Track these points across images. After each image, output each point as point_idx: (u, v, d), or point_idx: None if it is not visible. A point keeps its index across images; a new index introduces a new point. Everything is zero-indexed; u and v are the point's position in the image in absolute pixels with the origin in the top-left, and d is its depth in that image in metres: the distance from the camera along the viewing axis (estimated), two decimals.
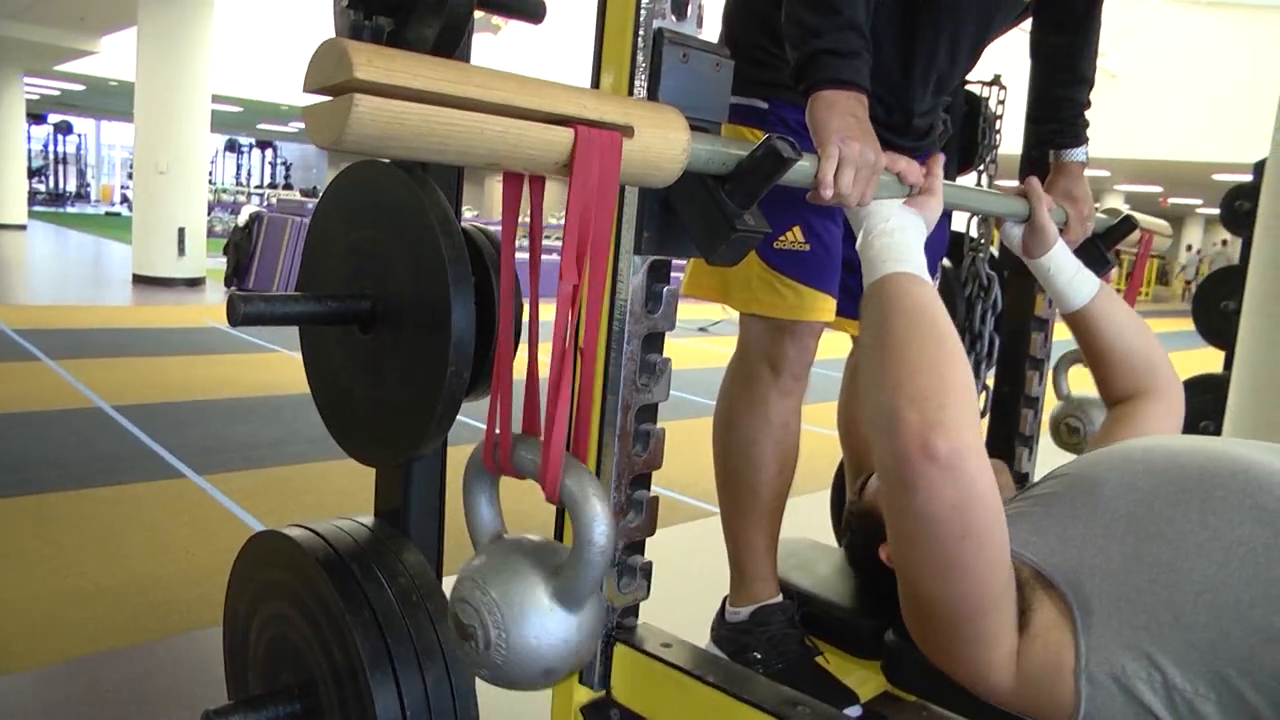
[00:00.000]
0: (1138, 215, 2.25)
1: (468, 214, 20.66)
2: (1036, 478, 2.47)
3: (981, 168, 2.41)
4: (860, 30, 1.32)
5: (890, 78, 1.65)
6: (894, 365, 1.05)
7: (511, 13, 1.46)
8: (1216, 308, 4.65)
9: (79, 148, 33.56)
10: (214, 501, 3.80)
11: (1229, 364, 4.39)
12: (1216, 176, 19.75)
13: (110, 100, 23.44)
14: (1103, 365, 1.55)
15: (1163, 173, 21.02)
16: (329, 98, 0.79)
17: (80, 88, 21.53)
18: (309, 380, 1.56)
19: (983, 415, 2.46)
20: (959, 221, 2.41)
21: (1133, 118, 17.79)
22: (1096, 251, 2.03)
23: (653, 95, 1.13)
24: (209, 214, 13.25)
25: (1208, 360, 4.22)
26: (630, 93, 1.16)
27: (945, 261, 2.38)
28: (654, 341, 1.27)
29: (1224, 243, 26.69)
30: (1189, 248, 29.66)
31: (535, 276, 1.00)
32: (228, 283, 11.36)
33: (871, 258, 1.22)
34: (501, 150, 0.87)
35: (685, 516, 3.86)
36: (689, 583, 2.28)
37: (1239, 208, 4.54)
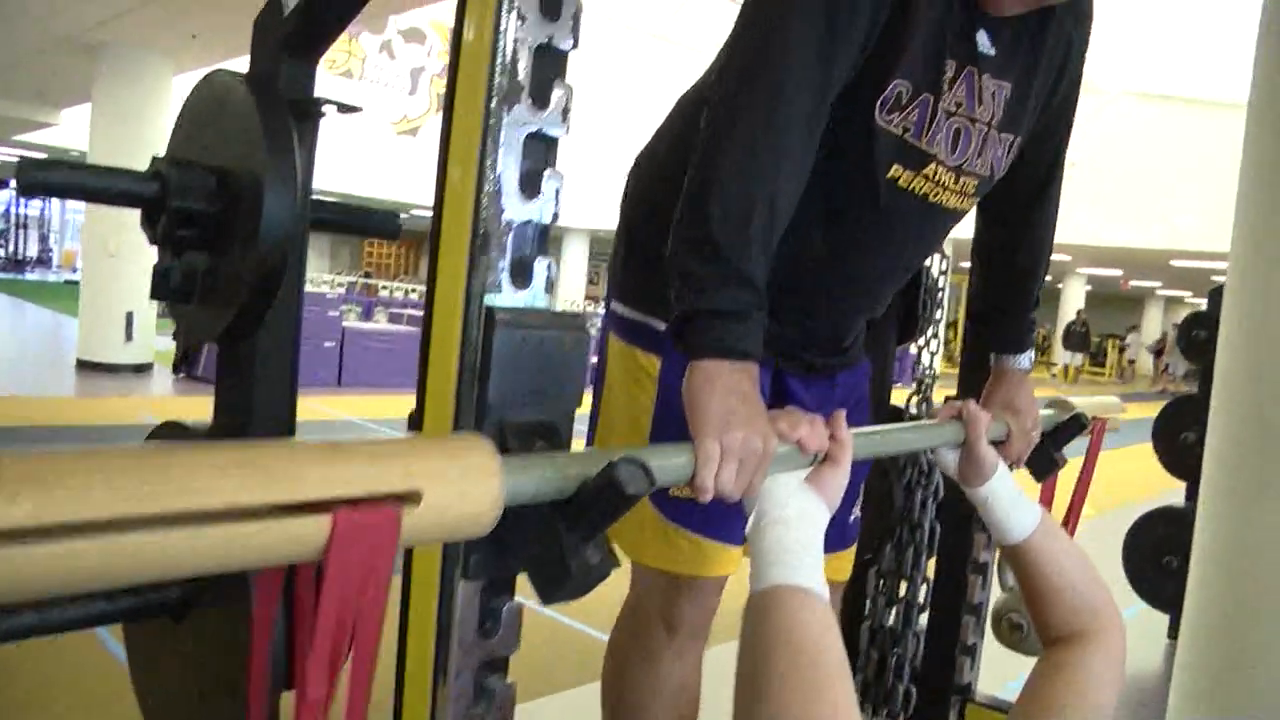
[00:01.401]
0: (1090, 402, 2.07)
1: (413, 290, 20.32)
2: (979, 689, 2.30)
3: (923, 342, 2.23)
4: (753, 284, 1.11)
5: (825, 303, 1.47)
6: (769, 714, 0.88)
7: (367, 235, 1.27)
8: (1177, 439, 4.50)
9: (43, 212, 33.19)
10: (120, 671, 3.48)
11: (1191, 495, 4.24)
12: (1174, 263, 19.99)
13: None
14: (1039, 603, 1.39)
15: (1122, 258, 21.21)
16: None
17: (41, 155, 21.31)
18: (131, 673, 1.33)
19: (921, 611, 2.26)
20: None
21: (1092, 205, 18.00)
22: (1043, 454, 1.85)
23: (482, 393, 0.93)
24: None
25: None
26: (459, 398, 0.94)
27: None
28: (494, 666, 1.05)
29: (1175, 326, 26.84)
30: (1131, 328, 29.60)
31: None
32: (176, 369, 10.94)
33: (761, 553, 1.04)
34: (231, 560, 0.66)
35: None
36: None
37: (1196, 337, 4.40)
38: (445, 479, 0.77)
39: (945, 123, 1.30)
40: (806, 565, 1.03)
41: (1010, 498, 1.44)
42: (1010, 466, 1.64)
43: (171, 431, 1.19)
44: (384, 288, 20.73)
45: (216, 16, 8.76)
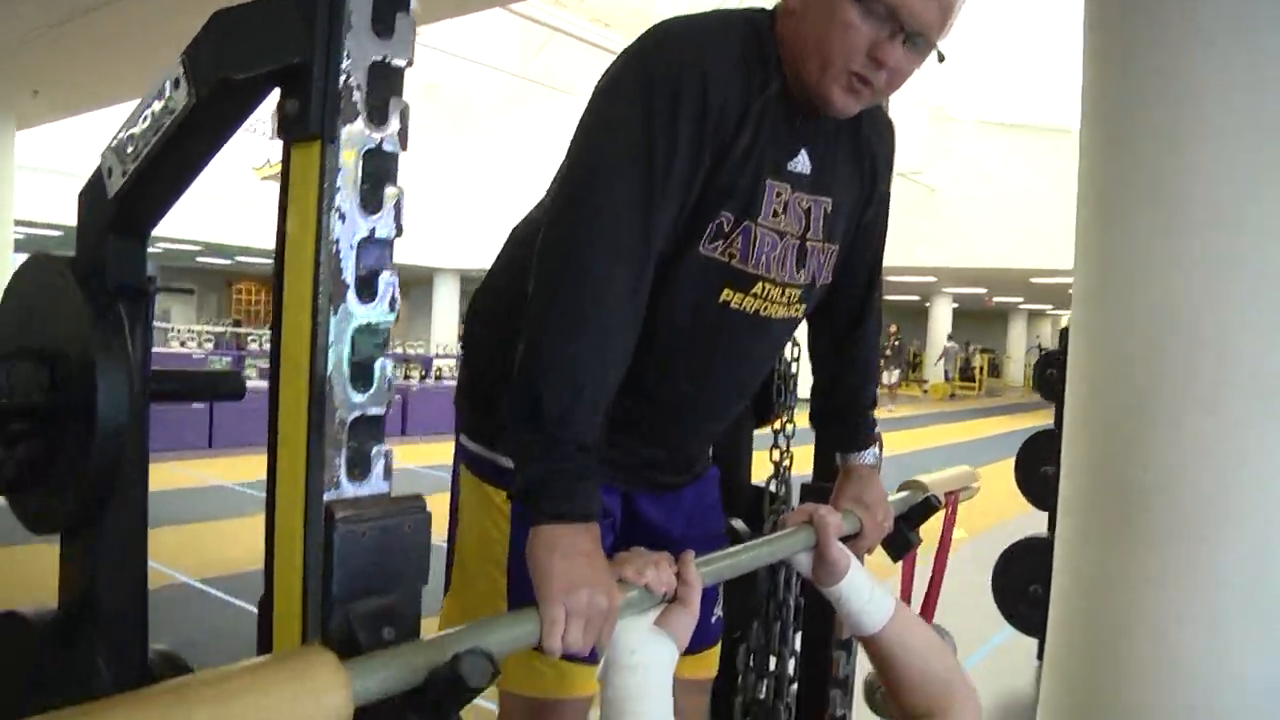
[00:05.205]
0: (943, 476, 2.16)
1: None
2: None
3: (778, 426, 2.30)
4: (587, 448, 1.16)
5: (669, 428, 1.52)
6: None
7: (214, 399, 1.27)
8: (1037, 472, 4.70)
9: None
10: None
11: (1053, 526, 4.43)
12: (1034, 280, 20.86)
13: None
14: (896, 687, 1.46)
15: (986, 278, 22.06)
16: None
17: None
18: None
19: (791, 683, 2.32)
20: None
21: (954, 229, 18.71)
22: (898, 535, 1.92)
23: (327, 592, 0.95)
24: None
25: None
26: (305, 590, 0.96)
27: (738, 523, 2.25)
28: None
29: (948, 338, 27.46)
30: (949, 337, 28.15)
31: None
32: None
33: (609, 700, 1.10)
34: None
35: None
36: None
37: (1050, 376, 4.60)
38: (293, 705, 0.79)
39: (768, 242, 1.38)
40: (653, 714, 1.08)
41: (864, 593, 1.50)
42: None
43: (10, 624, 1.16)
44: (253, 339, 20.17)
45: (57, 72, 8.52)
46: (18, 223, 11.49)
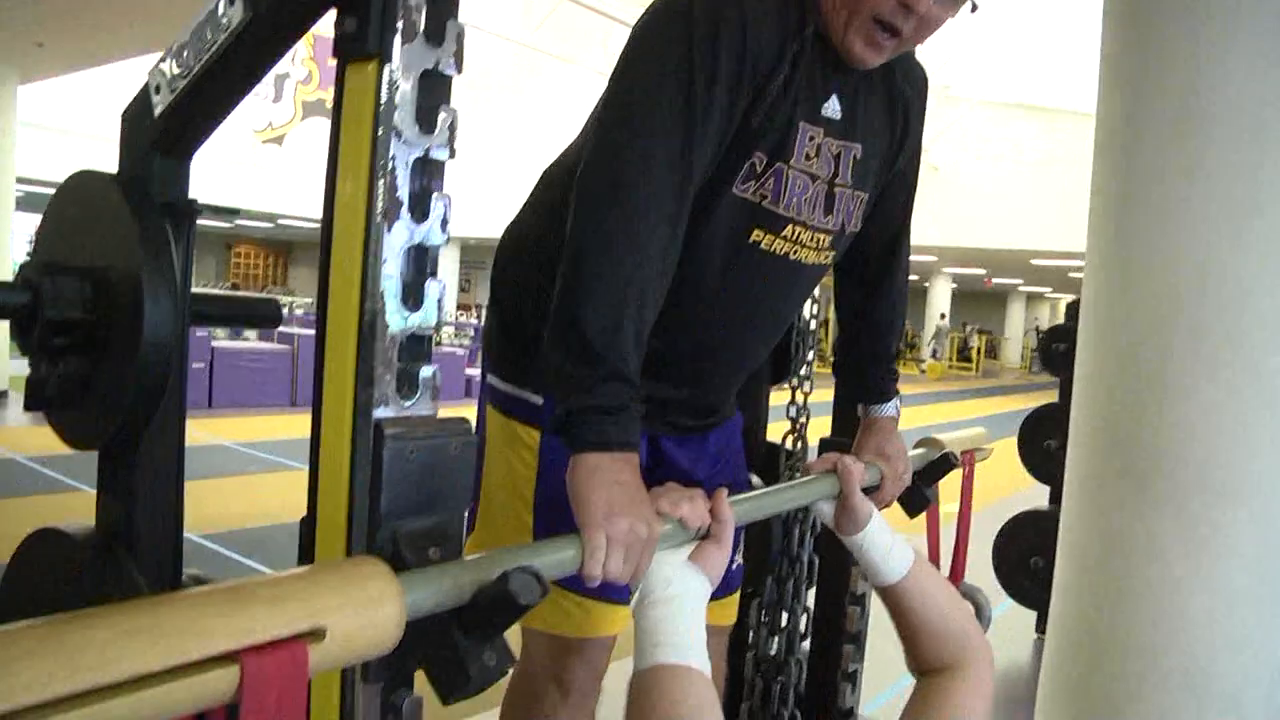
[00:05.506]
0: (958, 436, 2.17)
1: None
2: (861, 711, 2.39)
3: (795, 384, 2.30)
4: (628, 378, 1.17)
5: (699, 369, 1.53)
6: None
7: (251, 325, 1.27)
8: (1040, 446, 4.72)
9: None
10: None
11: (1055, 499, 4.44)
12: (1034, 262, 20.85)
13: None
14: (912, 637, 1.47)
15: (986, 258, 22.04)
16: None
17: None
18: None
19: (803, 639, 2.33)
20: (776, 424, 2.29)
21: (956, 208, 18.67)
22: (916, 493, 1.94)
23: (374, 508, 0.95)
24: None
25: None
26: (351, 507, 0.96)
27: (755, 479, 2.26)
28: None
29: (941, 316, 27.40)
30: (942, 316, 28.41)
31: None
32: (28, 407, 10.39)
33: (645, 631, 1.11)
34: None
35: None
36: None
37: (1055, 350, 4.61)
38: (348, 611, 0.79)
39: (799, 184, 1.38)
40: (689, 644, 1.09)
41: (885, 543, 1.51)
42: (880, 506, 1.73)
43: (48, 540, 1.17)
44: None
45: (64, 23, 8.42)
46: (19, 180, 11.40)
